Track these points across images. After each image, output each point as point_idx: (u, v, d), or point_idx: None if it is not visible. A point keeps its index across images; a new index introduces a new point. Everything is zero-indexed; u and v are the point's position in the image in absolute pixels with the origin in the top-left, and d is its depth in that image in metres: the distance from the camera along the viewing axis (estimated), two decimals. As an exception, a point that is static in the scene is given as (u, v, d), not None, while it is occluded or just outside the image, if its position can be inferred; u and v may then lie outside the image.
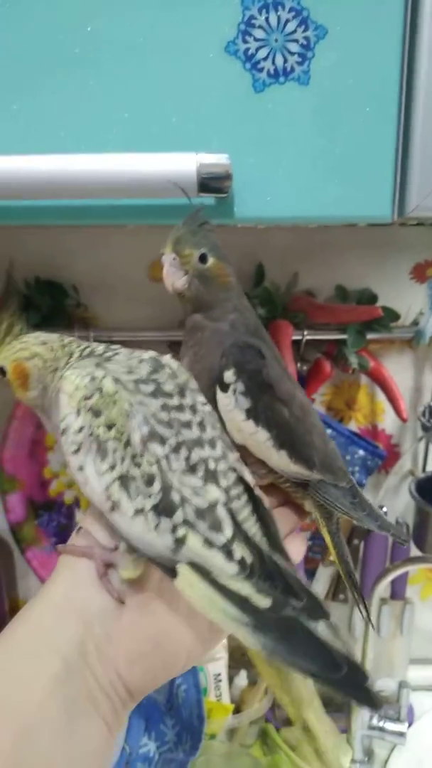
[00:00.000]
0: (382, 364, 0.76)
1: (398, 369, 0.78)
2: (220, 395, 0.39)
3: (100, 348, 0.36)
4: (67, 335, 0.38)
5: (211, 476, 0.32)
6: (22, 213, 0.41)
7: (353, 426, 0.82)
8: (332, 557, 0.45)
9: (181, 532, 0.30)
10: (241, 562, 0.30)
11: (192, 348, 0.41)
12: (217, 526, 0.31)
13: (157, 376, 0.34)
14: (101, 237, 0.72)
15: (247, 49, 0.39)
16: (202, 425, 0.33)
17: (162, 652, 0.32)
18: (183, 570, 0.30)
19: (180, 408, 0.33)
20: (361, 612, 0.46)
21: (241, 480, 0.34)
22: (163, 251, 0.39)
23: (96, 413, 0.31)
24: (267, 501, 0.34)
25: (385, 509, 0.83)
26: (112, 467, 0.31)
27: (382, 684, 0.85)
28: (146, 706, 0.70)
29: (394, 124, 0.41)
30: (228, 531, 0.31)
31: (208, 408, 0.35)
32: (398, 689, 0.80)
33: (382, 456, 0.78)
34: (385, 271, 0.75)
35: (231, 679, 0.81)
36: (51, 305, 0.72)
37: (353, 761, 0.78)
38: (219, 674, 0.78)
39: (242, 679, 0.82)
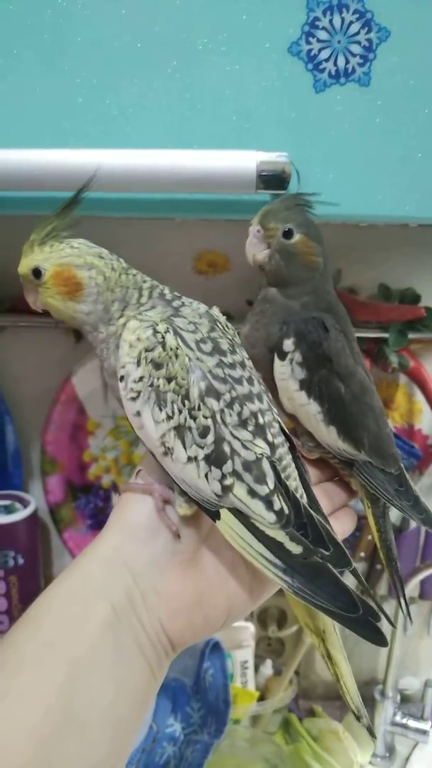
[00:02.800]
0: (422, 365, 0.76)
1: (438, 370, 0.78)
2: (277, 363, 0.39)
3: (167, 293, 0.36)
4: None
5: (260, 430, 0.34)
6: (84, 204, 0.43)
7: (390, 425, 0.82)
8: (375, 543, 0.45)
9: (228, 481, 0.33)
10: (279, 513, 0.33)
11: (255, 316, 0.41)
12: (261, 479, 0.33)
13: (215, 334, 0.35)
14: (149, 228, 0.73)
15: (310, 50, 0.40)
16: (251, 380, 0.35)
17: (203, 608, 0.35)
18: (225, 515, 0.33)
19: (232, 365, 0.34)
20: (399, 600, 0.46)
21: (283, 431, 0.36)
22: (251, 222, 0.39)
23: (157, 366, 0.32)
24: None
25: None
26: (170, 417, 0.33)
27: (407, 683, 0.86)
28: (173, 687, 0.72)
29: (453, 127, 0.41)
30: (270, 483, 0.33)
31: (251, 362, 0.37)
32: (423, 688, 0.80)
33: (417, 456, 0.78)
34: (430, 271, 0.75)
35: (257, 668, 0.82)
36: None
37: (374, 755, 0.79)
38: (246, 661, 0.79)
39: (268, 668, 0.84)
